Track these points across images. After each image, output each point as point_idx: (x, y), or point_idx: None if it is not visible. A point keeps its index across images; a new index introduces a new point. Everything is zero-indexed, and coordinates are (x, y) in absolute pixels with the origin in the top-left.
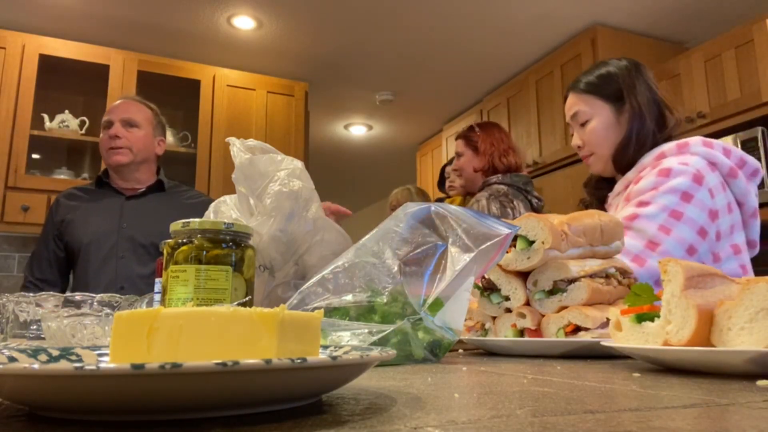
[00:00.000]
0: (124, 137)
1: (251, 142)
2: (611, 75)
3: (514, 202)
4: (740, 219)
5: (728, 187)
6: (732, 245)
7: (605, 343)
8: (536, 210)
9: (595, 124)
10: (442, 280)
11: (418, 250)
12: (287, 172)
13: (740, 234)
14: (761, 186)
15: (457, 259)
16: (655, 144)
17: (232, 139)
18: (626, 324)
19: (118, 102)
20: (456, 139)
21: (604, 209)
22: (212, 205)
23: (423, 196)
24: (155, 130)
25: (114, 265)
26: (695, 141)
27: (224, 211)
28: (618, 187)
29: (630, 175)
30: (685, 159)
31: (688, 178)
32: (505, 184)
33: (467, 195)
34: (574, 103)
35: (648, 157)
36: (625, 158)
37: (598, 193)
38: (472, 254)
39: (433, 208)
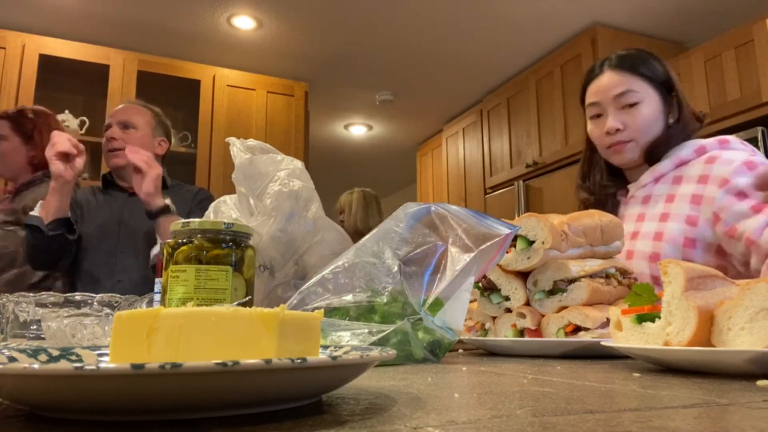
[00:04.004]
0: (120, 139)
1: (251, 142)
2: (660, 63)
3: None
4: None
5: None
6: None
7: (605, 343)
8: None
9: (646, 110)
10: (442, 280)
11: (418, 250)
12: (287, 172)
13: None
14: None
15: (457, 259)
16: (682, 140)
17: (231, 139)
18: (627, 324)
19: (120, 106)
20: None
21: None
22: (212, 205)
23: (374, 201)
24: (155, 131)
25: (115, 260)
26: (732, 138)
27: (224, 211)
28: (645, 178)
29: (662, 167)
30: (754, 153)
31: None
32: None
33: None
34: (623, 82)
35: (685, 150)
36: (660, 150)
37: (604, 191)
38: (472, 254)
39: (433, 208)
